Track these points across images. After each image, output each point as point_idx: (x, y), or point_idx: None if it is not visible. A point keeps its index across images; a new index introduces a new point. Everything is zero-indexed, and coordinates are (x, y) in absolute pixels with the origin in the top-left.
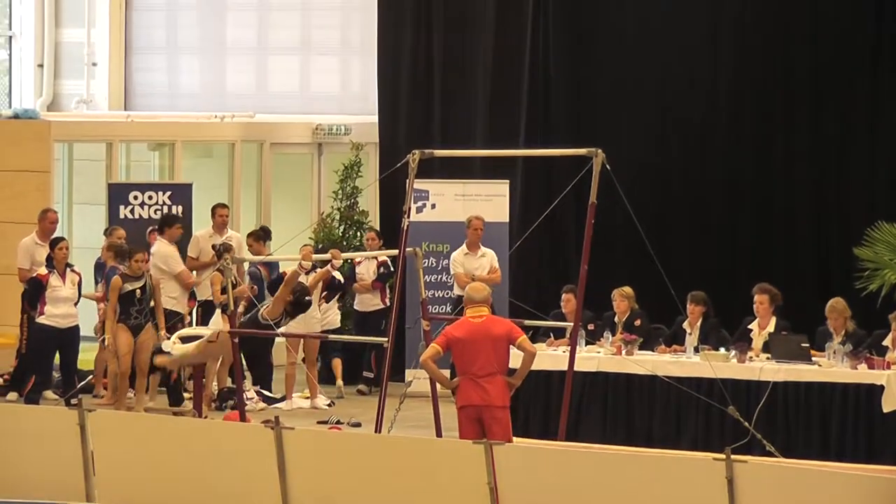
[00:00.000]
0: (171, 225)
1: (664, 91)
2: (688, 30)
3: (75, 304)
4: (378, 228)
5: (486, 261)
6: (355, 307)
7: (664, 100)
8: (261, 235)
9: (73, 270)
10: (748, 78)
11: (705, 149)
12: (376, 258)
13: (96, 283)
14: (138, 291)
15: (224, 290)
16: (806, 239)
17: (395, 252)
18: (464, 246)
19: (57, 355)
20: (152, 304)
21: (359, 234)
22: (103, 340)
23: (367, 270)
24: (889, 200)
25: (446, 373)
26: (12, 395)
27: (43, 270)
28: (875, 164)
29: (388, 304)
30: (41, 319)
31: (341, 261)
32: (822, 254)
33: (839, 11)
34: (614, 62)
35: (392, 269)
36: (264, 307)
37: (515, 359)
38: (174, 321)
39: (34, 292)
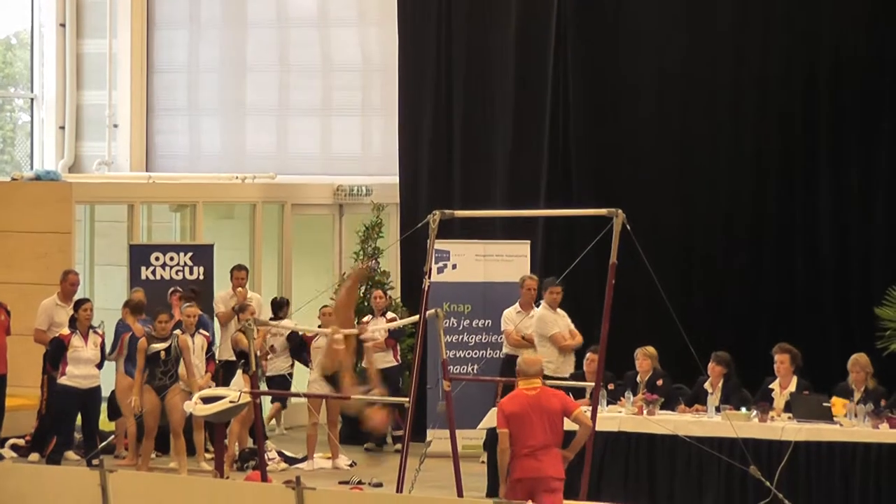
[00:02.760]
0: None
1: (686, 148)
2: (709, 86)
3: (98, 366)
4: (399, 289)
5: (564, 322)
6: (364, 366)
7: (686, 157)
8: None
9: (95, 332)
10: (771, 135)
11: (727, 207)
12: (384, 315)
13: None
14: (163, 353)
15: (243, 354)
16: (827, 299)
17: (416, 318)
18: (517, 304)
19: (78, 416)
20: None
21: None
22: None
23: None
24: None
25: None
26: (34, 456)
27: (66, 331)
28: None
29: (400, 361)
30: (62, 380)
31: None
32: (843, 314)
33: (862, 65)
34: (636, 119)
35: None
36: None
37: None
38: None
39: (56, 353)
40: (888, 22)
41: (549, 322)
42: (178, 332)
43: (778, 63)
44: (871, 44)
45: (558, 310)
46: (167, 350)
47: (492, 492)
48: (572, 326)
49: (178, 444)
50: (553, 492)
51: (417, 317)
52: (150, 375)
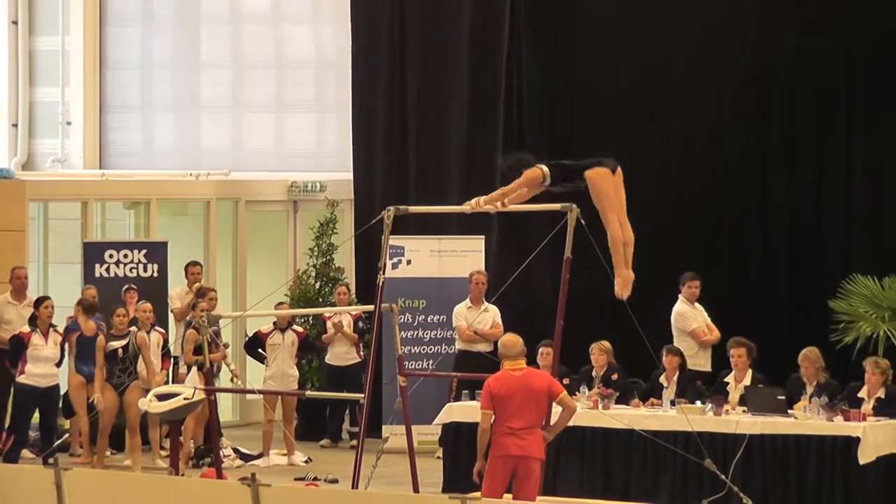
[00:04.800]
0: None
1: (640, 143)
2: (665, 77)
3: (58, 364)
4: (354, 285)
5: (489, 315)
6: (328, 361)
7: (640, 152)
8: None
9: (56, 330)
10: (725, 127)
11: (682, 206)
12: (350, 313)
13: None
14: (121, 350)
15: (199, 348)
16: (781, 292)
17: (370, 308)
18: (467, 300)
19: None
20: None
21: (335, 290)
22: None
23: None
24: (863, 253)
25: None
26: None
27: (26, 329)
28: (850, 216)
29: (363, 357)
30: (21, 379)
31: None
32: (797, 307)
33: (816, 68)
34: (590, 112)
35: (366, 321)
36: None
37: None
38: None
39: (16, 351)
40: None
41: (689, 317)
42: (134, 328)
43: (733, 51)
44: (830, 37)
45: (696, 304)
46: (125, 347)
47: (448, 487)
48: (710, 321)
49: (134, 442)
50: (533, 472)
51: (372, 306)
52: (108, 373)
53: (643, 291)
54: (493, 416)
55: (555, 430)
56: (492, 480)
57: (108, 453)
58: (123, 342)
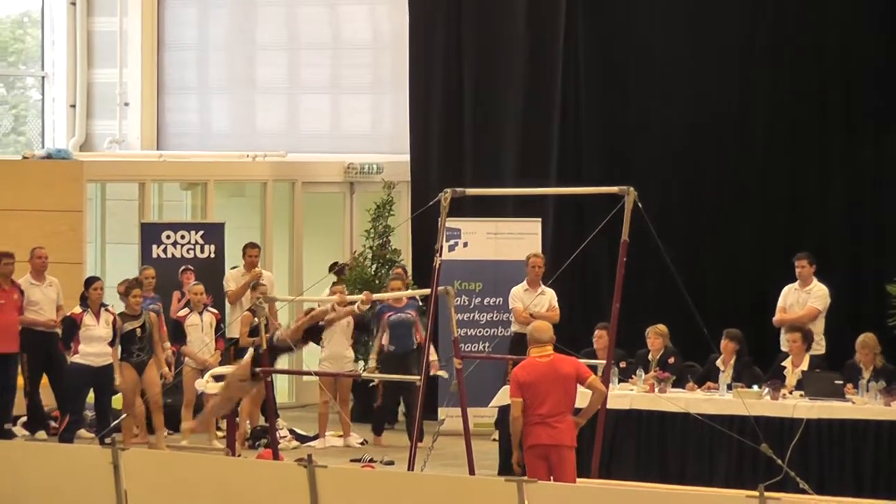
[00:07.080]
0: None
1: (696, 127)
2: (720, 65)
3: (111, 343)
4: (410, 267)
5: (546, 298)
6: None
7: (696, 136)
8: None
9: (107, 310)
10: (780, 115)
11: (738, 186)
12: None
13: None
14: (138, 330)
15: (255, 331)
16: (839, 277)
17: (427, 291)
18: (524, 282)
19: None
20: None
21: (391, 272)
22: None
23: None
24: None
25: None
26: (41, 434)
27: (77, 309)
28: None
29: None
30: (75, 358)
31: (368, 304)
32: (854, 291)
33: (874, 45)
34: (646, 99)
35: (422, 304)
36: (281, 330)
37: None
38: None
39: (68, 331)
40: None
41: (781, 295)
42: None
43: (791, 35)
44: (882, 18)
45: (817, 282)
46: (142, 327)
47: (504, 469)
48: (815, 303)
49: (157, 419)
50: (567, 461)
51: (428, 289)
52: (127, 353)
53: (700, 273)
54: (524, 404)
55: (586, 414)
56: (533, 471)
57: (165, 433)
58: (139, 322)
